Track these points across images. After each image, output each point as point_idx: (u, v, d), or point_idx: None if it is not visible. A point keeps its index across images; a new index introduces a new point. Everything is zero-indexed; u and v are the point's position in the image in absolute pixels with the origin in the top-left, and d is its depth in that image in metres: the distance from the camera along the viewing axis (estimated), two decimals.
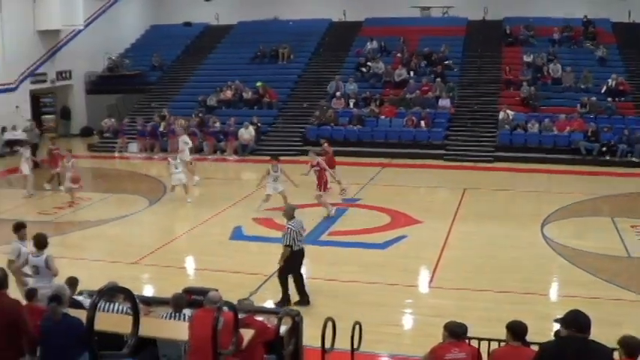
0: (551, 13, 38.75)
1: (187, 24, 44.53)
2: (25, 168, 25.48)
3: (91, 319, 4.82)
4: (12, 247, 12.68)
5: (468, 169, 29.14)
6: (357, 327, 10.11)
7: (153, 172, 29.92)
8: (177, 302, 10.08)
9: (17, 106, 35.79)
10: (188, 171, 25.55)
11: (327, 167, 22.49)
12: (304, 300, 14.30)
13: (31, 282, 11.77)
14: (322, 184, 22.04)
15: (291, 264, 14.28)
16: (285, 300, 14.11)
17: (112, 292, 9.49)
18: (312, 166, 22.34)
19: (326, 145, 26.21)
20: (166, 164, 25.01)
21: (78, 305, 9.81)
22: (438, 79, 34.62)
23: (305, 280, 14.58)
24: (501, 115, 32.12)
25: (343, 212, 22.34)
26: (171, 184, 24.26)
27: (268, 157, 24.38)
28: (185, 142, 27.06)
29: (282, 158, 30.06)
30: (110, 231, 20.89)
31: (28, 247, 12.44)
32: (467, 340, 8.73)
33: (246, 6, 40.72)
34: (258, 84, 36.52)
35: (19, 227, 12.75)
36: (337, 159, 28.44)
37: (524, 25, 38.52)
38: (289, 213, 14.56)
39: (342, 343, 9.99)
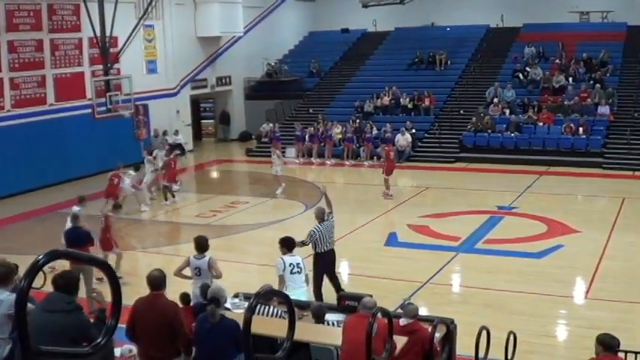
0: None
1: (345, 30, 45.04)
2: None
3: (248, 322, 5.09)
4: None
5: (627, 177, 28.30)
6: (512, 337, 10.16)
7: (309, 177, 30.51)
8: (318, 314, 10.29)
9: (178, 111, 37.22)
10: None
11: None
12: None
13: (192, 283, 12.28)
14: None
15: (321, 266, 14.32)
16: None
17: (269, 296, 9.77)
18: None
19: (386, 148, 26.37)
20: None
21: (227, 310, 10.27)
22: (597, 86, 33.85)
23: (458, 288, 14.63)
24: None
25: (499, 220, 22.24)
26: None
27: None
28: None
29: (438, 165, 30.40)
30: (266, 235, 21.48)
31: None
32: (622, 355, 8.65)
33: (403, 12, 40.81)
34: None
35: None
36: (494, 166, 28.46)
37: None
38: (319, 216, 14.52)
39: (496, 353, 9.98)
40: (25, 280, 3.32)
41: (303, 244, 14.07)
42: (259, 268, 17.03)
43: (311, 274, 13.81)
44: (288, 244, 12.77)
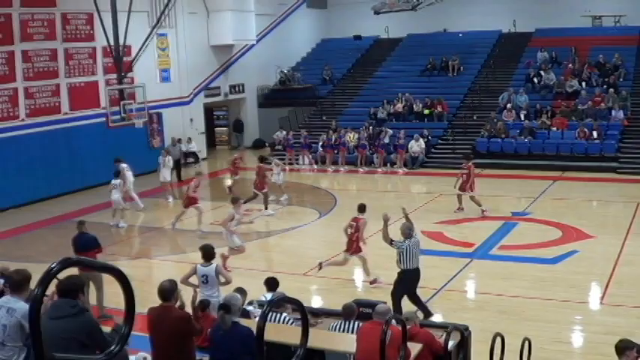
0: None
1: (357, 37, 45.07)
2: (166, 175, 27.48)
3: (261, 329, 5.10)
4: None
5: None
6: (527, 343, 10.13)
7: (323, 184, 30.51)
8: (348, 311, 10.33)
9: (191, 119, 37.32)
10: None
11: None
12: (428, 313, 13.98)
13: (199, 291, 12.32)
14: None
15: (406, 284, 14.10)
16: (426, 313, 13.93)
17: (282, 303, 9.79)
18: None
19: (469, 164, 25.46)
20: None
21: (246, 315, 10.27)
22: (611, 90, 33.73)
23: (472, 295, 14.58)
24: None
25: (514, 226, 22.19)
26: None
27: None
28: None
29: (451, 171, 30.33)
30: (280, 242, 21.51)
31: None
32: None
33: (415, 18, 40.80)
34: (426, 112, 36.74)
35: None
36: (508, 172, 28.37)
37: None
38: (406, 232, 14.26)
39: None
40: (38, 288, 3.33)
41: (391, 242, 14.21)
42: (273, 275, 16.96)
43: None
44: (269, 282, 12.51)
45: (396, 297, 13.95)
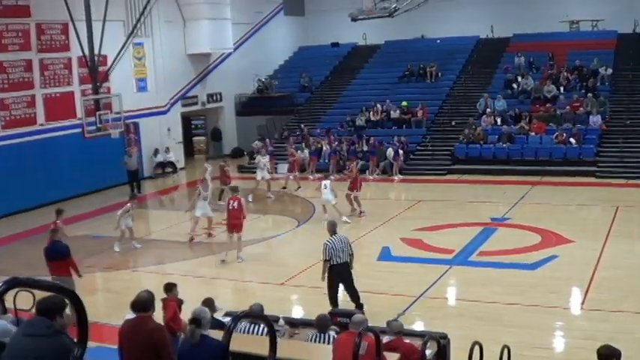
0: None
1: (335, 44, 45.09)
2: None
3: (226, 344, 5.05)
4: None
5: (620, 186, 28.19)
6: (506, 350, 10.04)
7: (302, 193, 30.36)
8: (322, 323, 10.23)
9: (169, 129, 37.10)
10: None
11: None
12: (361, 305, 14.70)
13: None
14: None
15: (336, 278, 14.74)
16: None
17: (247, 318, 9.85)
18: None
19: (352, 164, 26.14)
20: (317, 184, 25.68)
21: (222, 326, 10.14)
22: (589, 94, 33.80)
23: (452, 302, 14.51)
24: None
25: (493, 232, 22.12)
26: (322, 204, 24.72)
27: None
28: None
29: (430, 177, 30.33)
30: (259, 251, 21.33)
31: None
32: None
33: (392, 25, 40.69)
34: (404, 104, 36.63)
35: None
36: (486, 177, 28.38)
37: None
38: (331, 229, 15.21)
39: None
40: None
41: (327, 261, 14.65)
42: (252, 285, 16.87)
43: None
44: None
45: (333, 292, 14.75)
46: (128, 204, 21.84)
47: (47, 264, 15.51)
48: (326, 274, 14.75)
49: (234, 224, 19.77)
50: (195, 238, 22.55)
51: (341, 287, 14.99)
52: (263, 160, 28.86)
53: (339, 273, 14.70)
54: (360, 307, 14.55)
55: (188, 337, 8.31)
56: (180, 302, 11.80)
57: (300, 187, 30.01)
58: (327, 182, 24.68)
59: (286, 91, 42.49)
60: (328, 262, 14.63)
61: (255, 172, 29.46)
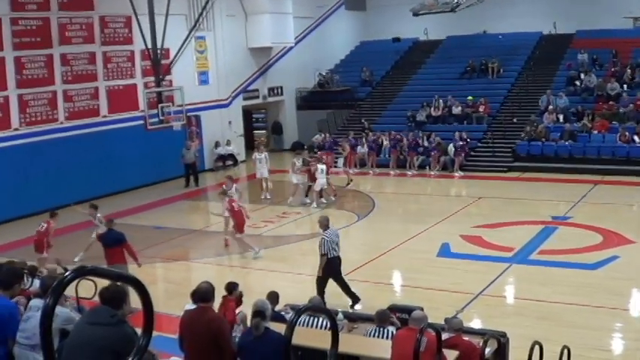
0: None
1: (396, 39, 44.77)
2: (296, 178, 27.24)
3: (288, 339, 5.05)
4: None
5: None
6: (566, 351, 9.94)
7: (362, 187, 30.31)
8: (382, 317, 10.21)
9: (230, 122, 37.33)
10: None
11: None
12: (356, 299, 15.26)
13: None
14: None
15: (328, 271, 15.14)
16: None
17: (310, 313, 9.83)
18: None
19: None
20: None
21: (281, 319, 10.17)
22: None
23: (511, 300, 14.40)
24: None
25: (554, 231, 21.85)
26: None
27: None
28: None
29: (491, 174, 30.08)
30: (317, 246, 21.32)
31: None
32: None
33: (454, 20, 40.40)
34: (470, 98, 36.36)
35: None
36: (548, 175, 28.03)
37: None
38: (324, 223, 15.57)
39: None
40: (50, 297, 3.23)
41: (325, 256, 15.09)
42: (311, 279, 16.84)
43: None
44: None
45: (321, 283, 15.15)
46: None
47: (104, 251, 16.19)
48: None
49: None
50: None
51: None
52: (320, 166, 26.87)
53: (333, 266, 15.18)
54: (355, 301, 15.21)
55: (252, 329, 8.35)
56: (239, 302, 11.78)
57: (351, 181, 29.90)
58: (322, 167, 25.94)
59: (347, 86, 42.40)
60: (325, 256, 15.04)
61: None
